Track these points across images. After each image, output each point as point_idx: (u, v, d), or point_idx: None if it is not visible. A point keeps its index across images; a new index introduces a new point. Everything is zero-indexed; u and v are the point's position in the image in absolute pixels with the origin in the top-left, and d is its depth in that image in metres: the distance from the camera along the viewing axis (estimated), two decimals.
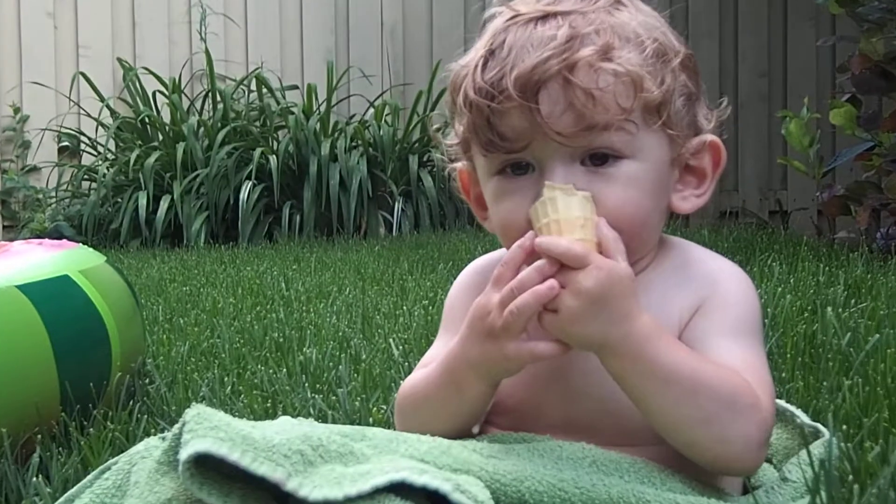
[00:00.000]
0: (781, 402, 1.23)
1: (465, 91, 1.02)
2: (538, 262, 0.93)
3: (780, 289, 2.37)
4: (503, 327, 0.94)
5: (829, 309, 1.99)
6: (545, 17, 1.01)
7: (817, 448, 1.09)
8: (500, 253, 1.10)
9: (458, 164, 1.12)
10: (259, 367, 1.92)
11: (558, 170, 0.99)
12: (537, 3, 1.03)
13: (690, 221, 4.65)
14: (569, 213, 0.95)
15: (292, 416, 1.09)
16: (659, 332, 0.95)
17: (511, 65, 0.97)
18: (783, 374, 1.57)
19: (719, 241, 3.79)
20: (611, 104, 0.97)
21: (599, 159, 1.00)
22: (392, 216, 5.11)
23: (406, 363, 1.84)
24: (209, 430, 0.88)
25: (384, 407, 1.54)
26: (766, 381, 0.99)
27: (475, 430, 1.06)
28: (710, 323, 1.02)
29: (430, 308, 2.44)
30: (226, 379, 1.83)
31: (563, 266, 0.93)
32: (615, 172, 1.00)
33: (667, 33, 1.04)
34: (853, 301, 2.22)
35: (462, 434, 1.03)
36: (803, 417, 1.20)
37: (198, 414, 0.90)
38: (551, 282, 0.92)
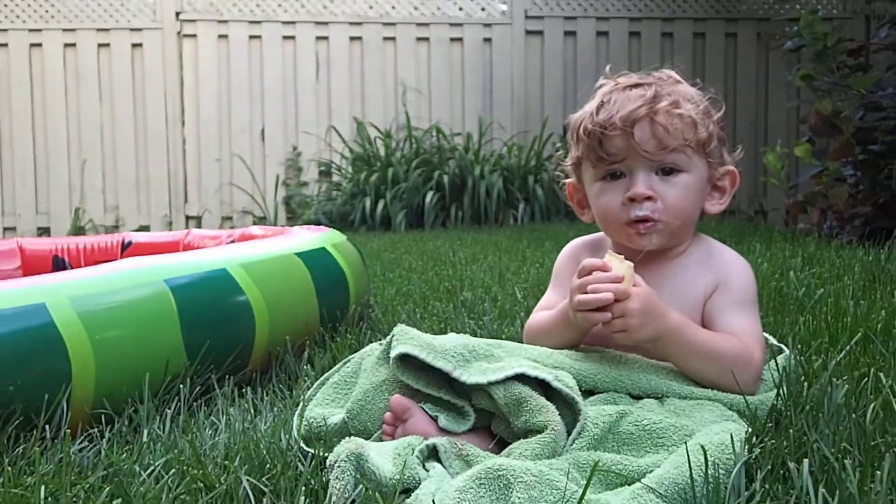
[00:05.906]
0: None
1: (584, 126, 1.25)
2: (608, 274, 1.15)
3: (759, 259, 2.60)
4: (573, 307, 1.15)
5: (791, 272, 2.16)
6: (637, 85, 1.25)
7: (782, 359, 1.28)
8: (591, 237, 1.34)
9: (568, 180, 1.32)
10: (436, 303, 2.16)
11: (641, 175, 1.19)
12: (629, 78, 1.27)
13: (706, 217, 4.30)
14: (620, 269, 1.15)
15: (456, 333, 1.29)
16: (685, 320, 1.16)
17: (617, 109, 1.21)
18: (761, 314, 1.64)
19: (721, 229, 4.17)
20: (678, 136, 1.19)
21: (668, 171, 1.20)
22: (517, 213, 5.92)
23: (525, 302, 2.03)
24: (408, 339, 1.12)
25: (512, 328, 1.73)
26: (760, 339, 1.19)
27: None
28: (725, 298, 1.22)
29: (540, 269, 2.70)
30: (416, 310, 2.07)
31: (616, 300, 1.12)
32: (676, 180, 1.20)
33: (705, 101, 1.27)
34: (807, 268, 2.41)
35: (566, 348, 1.23)
36: (773, 340, 1.39)
37: (401, 330, 1.14)
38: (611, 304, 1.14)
